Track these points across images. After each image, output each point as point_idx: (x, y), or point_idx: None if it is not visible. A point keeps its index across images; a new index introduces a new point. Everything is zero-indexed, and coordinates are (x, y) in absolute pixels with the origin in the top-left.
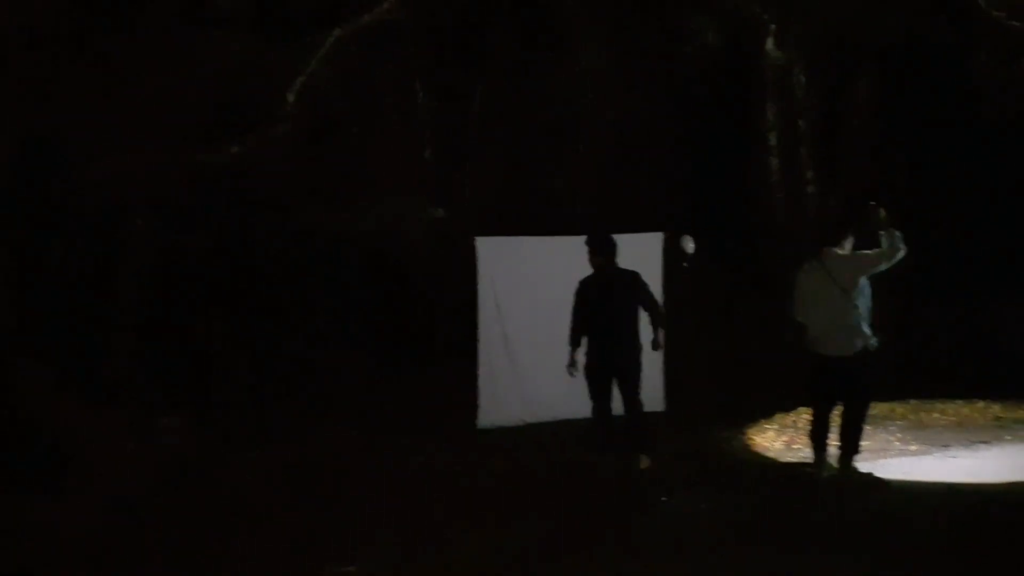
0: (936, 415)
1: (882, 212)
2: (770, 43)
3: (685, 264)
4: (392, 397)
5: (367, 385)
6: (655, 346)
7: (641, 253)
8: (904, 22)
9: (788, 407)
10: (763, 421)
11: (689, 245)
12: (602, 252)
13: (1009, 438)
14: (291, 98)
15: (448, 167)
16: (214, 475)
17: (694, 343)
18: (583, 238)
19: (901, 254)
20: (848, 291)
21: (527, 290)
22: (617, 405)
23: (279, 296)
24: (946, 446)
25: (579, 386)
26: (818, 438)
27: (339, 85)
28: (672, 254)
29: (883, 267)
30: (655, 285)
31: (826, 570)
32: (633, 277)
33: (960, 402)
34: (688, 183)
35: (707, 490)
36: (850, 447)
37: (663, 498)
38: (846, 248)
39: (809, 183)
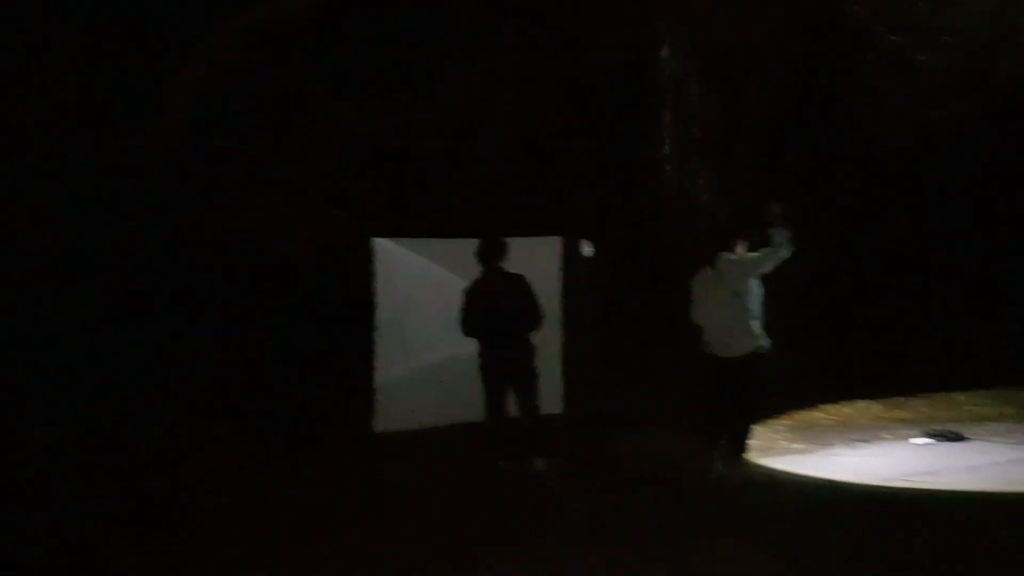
0: (820, 415)
1: (777, 208)
2: (665, 51)
3: (583, 268)
4: (283, 403)
5: (257, 391)
6: None
7: (539, 257)
8: (794, 35)
9: (687, 409)
10: (662, 422)
11: (587, 249)
12: (491, 255)
13: (888, 436)
14: (174, 94)
15: (345, 168)
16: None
17: (593, 346)
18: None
19: (785, 253)
20: (739, 294)
21: (425, 292)
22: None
23: (158, 301)
24: (830, 445)
25: (476, 389)
26: (712, 437)
27: (229, 81)
28: (570, 258)
29: (769, 267)
30: (553, 289)
31: (714, 563)
32: (519, 280)
33: (843, 403)
34: (587, 188)
35: (604, 491)
36: (739, 446)
37: (562, 498)
38: (739, 252)
39: (703, 190)
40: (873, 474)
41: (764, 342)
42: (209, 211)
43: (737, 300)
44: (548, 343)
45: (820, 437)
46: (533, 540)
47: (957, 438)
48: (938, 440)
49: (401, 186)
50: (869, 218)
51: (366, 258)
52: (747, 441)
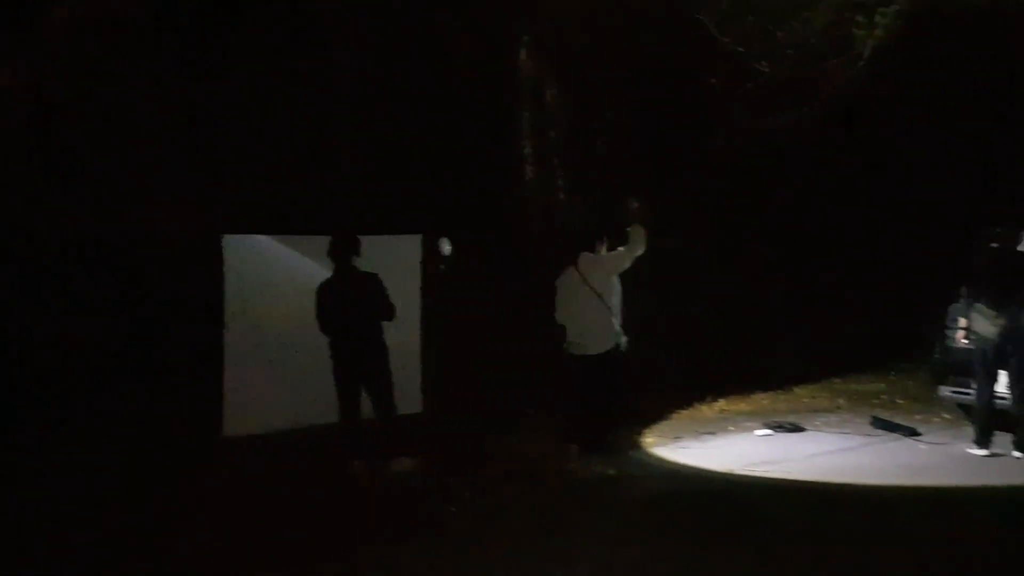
0: (671, 409)
1: (635, 204)
2: (523, 54)
3: (442, 266)
4: (128, 408)
5: (100, 397)
6: None
7: (399, 255)
8: (650, 41)
9: (547, 407)
10: (522, 420)
11: (446, 247)
12: (343, 252)
13: (732, 428)
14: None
15: (193, 162)
16: None
17: (453, 344)
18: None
19: (641, 250)
20: (601, 292)
21: (277, 291)
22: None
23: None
24: (678, 437)
25: (330, 390)
26: (571, 432)
27: (71, 73)
28: (430, 256)
29: (627, 264)
30: (413, 287)
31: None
32: (372, 279)
33: (692, 398)
34: (447, 187)
35: (463, 490)
36: (600, 440)
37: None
38: (600, 251)
39: (560, 191)
40: (718, 463)
41: (622, 339)
42: (46, 208)
43: (599, 299)
44: (407, 341)
45: (670, 430)
46: (385, 543)
47: (796, 429)
48: (778, 431)
49: (255, 183)
50: (719, 217)
51: (215, 255)
52: (607, 435)
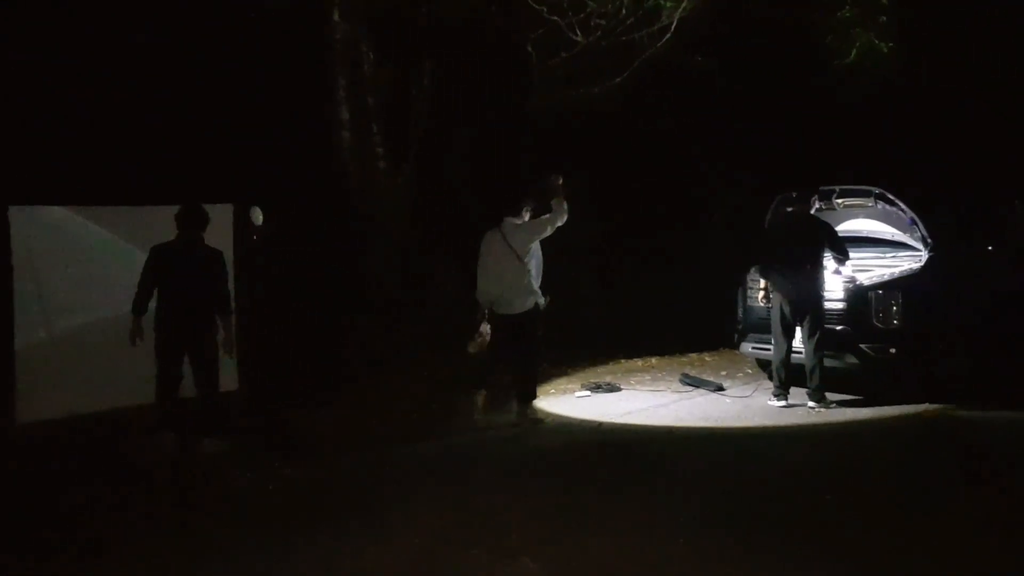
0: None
1: (559, 180)
2: (336, 14)
3: (255, 236)
4: None
5: None
6: (227, 346)
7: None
8: (463, 5)
9: (368, 376)
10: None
11: (258, 216)
12: (195, 225)
13: (553, 391)
14: None
15: None
16: None
17: (267, 317)
18: (137, 209)
19: (562, 220)
20: (522, 256)
21: (72, 266)
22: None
23: None
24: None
25: (134, 370)
26: (480, 382)
27: None
28: (241, 226)
29: (548, 231)
30: (227, 256)
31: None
32: (217, 256)
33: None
34: (261, 154)
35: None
36: (527, 393)
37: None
38: (524, 217)
39: (379, 158)
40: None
41: (541, 300)
42: None
43: (519, 261)
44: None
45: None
46: (206, 523)
47: (613, 389)
48: (595, 391)
49: (52, 151)
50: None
51: (2, 228)
52: (535, 387)
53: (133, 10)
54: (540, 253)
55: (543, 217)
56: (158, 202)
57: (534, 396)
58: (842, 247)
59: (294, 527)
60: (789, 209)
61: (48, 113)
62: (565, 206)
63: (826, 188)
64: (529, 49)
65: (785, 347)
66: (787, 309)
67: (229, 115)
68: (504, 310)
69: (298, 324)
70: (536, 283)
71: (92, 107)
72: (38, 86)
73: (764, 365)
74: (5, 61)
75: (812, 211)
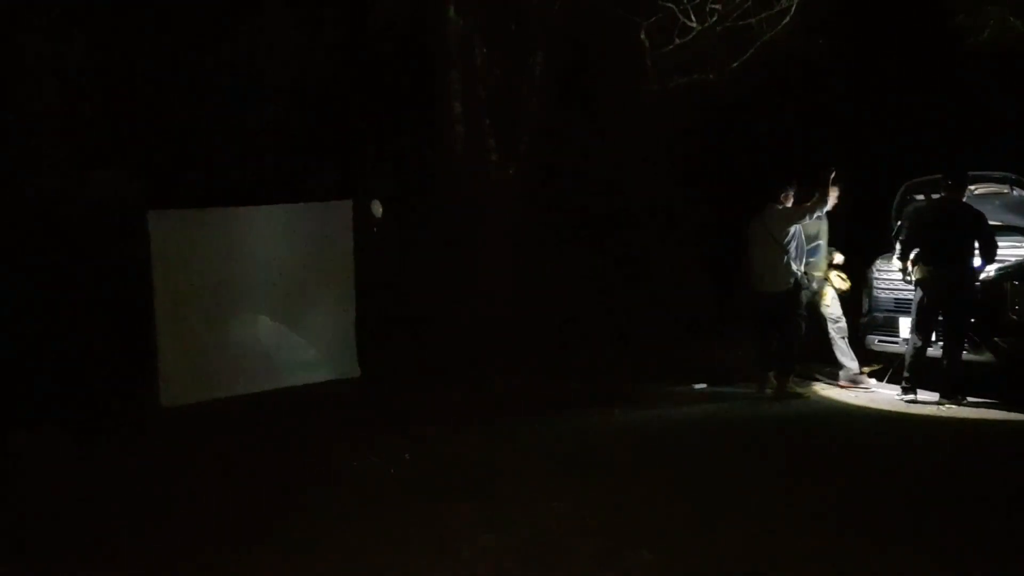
0: None
1: (831, 173)
2: (451, 11)
3: (375, 229)
4: (63, 382)
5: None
6: None
7: (331, 221)
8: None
9: (476, 367)
10: (455, 382)
11: (378, 209)
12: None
13: None
14: None
15: (115, 133)
16: None
17: (386, 306)
18: (266, 209)
19: (821, 210)
20: (779, 239)
21: (205, 263)
22: None
23: None
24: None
25: (264, 359)
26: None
27: None
28: (362, 220)
29: (807, 220)
30: (347, 251)
31: None
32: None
33: None
34: (377, 149)
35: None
36: (786, 367)
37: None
38: (786, 203)
39: (491, 151)
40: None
41: (801, 278)
42: None
43: (777, 243)
44: (343, 306)
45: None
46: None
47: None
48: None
49: (180, 153)
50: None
51: (141, 229)
52: (792, 361)
53: (249, 16)
54: (802, 237)
55: (804, 204)
56: (283, 201)
57: (792, 371)
58: (993, 242)
59: None
60: (936, 196)
61: (180, 125)
62: (830, 197)
63: (956, 173)
64: (642, 37)
65: (921, 340)
66: (929, 300)
67: (349, 114)
68: (764, 288)
69: (414, 312)
70: (795, 265)
71: (218, 114)
72: (172, 100)
73: (889, 359)
74: (141, 79)
75: (964, 199)
